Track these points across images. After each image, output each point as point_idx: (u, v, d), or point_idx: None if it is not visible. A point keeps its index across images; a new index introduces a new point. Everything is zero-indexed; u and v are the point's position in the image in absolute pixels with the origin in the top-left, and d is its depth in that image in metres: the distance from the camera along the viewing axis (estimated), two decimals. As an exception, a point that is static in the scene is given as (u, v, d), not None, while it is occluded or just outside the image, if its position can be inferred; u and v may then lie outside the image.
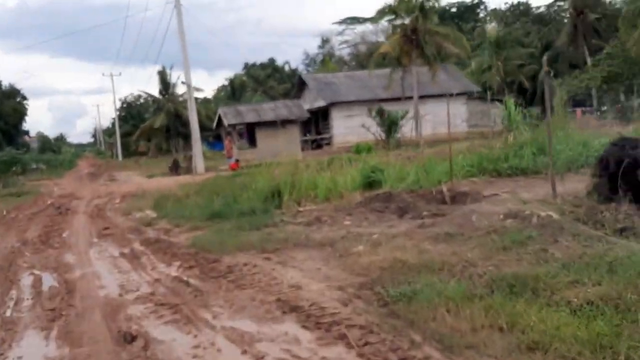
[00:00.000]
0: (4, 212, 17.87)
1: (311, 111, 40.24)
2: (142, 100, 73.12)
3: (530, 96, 50.15)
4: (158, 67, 58.99)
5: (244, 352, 4.97)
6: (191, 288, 7.19)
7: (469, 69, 53.75)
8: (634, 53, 34.36)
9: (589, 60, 46.38)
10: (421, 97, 36.42)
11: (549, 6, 65.17)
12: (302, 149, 35.32)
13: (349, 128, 39.50)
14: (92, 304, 6.87)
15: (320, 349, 4.91)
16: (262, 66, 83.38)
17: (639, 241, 6.69)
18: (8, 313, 6.87)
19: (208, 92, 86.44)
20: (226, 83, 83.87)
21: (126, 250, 10.31)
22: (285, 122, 33.58)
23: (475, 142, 22.09)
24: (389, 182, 13.23)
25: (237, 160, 31.00)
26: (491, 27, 56.78)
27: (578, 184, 11.11)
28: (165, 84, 59.29)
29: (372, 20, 59.25)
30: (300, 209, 13.12)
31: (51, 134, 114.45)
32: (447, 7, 69.65)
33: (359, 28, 68.82)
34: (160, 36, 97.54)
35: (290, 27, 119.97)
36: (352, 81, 42.85)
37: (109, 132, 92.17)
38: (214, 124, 39.23)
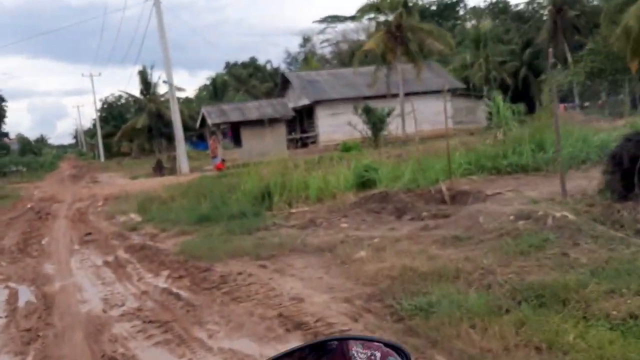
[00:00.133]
0: (-20, 218, 17.06)
1: (295, 110, 39.59)
2: (123, 101, 71.88)
3: (512, 92, 50.04)
4: (138, 67, 57.97)
5: (247, 380, 4.40)
6: (182, 302, 6.58)
7: (450, 66, 53.55)
8: (617, 48, 34.25)
9: (569, 57, 46.43)
10: (406, 95, 35.98)
11: (528, 3, 65.21)
12: (288, 148, 34.69)
13: (334, 126, 38.91)
14: (73, 322, 6.24)
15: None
16: (244, 65, 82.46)
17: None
18: (-22, 334, 6.22)
19: (190, 91, 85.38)
20: (208, 82, 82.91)
21: (110, 259, 9.66)
22: (270, 121, 32.95)
23: (463, 139, 21.60)
24: (384, 181, 12.70)
25: (222, 160, 30.29)
26: (486, 22, 56.58)
27: (582, 180, 10.67)
28: (146, 84, 58.25)
29: (354, 18, 58.88)
30: (293, 210, 12.54)
31: (31, 135, 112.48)
32: (427, 5, 69.47)
33: (340, 26, 68.43)
34: (139, 36, 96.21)
35: (271, 26, 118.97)
36: (336, 79, 42.26)
37: (90, 133, 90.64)
38: (198, 124, 38.47)
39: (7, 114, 73.87)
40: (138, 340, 5.50)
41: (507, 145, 13.12)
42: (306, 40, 78.32)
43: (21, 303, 7.24)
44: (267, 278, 7.18)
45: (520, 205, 8.95)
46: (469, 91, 44.59)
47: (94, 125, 75.42)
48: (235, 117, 33.55)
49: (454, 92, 42.92)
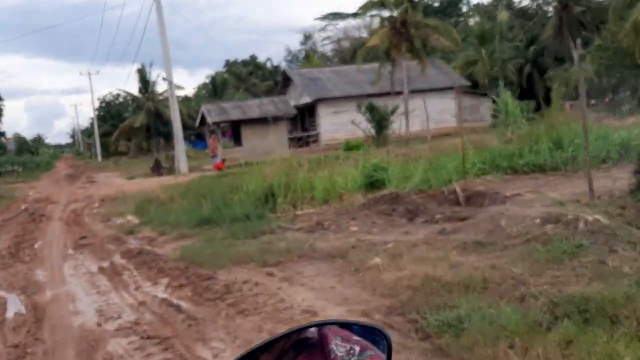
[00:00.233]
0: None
1: (297, 108, 38.97)
2: (121, 100, 71.26)
3: (516, 90, 49.50)
4: (137, 66, 57.42)
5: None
6: (183, 314, 6.02)
7: (453, 63, 53.04)
8: (626, 44, 33.72)
9: (574, 54, 45.90)
10: (410, 92, 35.42)
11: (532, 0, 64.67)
12: (289, 147, 34.10)
13: (336, 125, 38.34)
14: (64, 338, 5.68)
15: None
16: (244, 63, 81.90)
17: None
18: (-40, 352, 5.67)
19: (189, 90, 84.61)
20: (207, 81, 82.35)
21: (105, 264, 9.09)
22: (272, 119, 32.35)
23: (471, 137, 21.04)
24: (394, 181, 12.13)
25: (222, 160, 29.67)
26: (502, 13, 55.91)
27: (605, 180, 10.16)
28: (145, 83, 57.72)
29: (356, 15, 58.24)
30: (298, 212, 12.00)
31: (28, 135, 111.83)
32: (430, 2, 68.99)
33: (341, 24, 67.75)
34: (138, 34, 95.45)
35: (271, 24, 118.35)
36: (339, 77, 41.64)
37: (87, 133, 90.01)
38: (197, 122, 37.84)
39: (4, 112, 73.23)
40: (135, 360, 4.95)
41: (523, 143, 12.54)
42: (307, 37, 77.75)
43: (10, 314, 6.69)
44: (275, 288, 6.62)
45: (544, 207, 8.40)
46: (474, 88, 44.03)
47: (92, 124, 74.82)
48: (235, 115, 32.92)
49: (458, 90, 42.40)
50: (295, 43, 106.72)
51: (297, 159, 16.86)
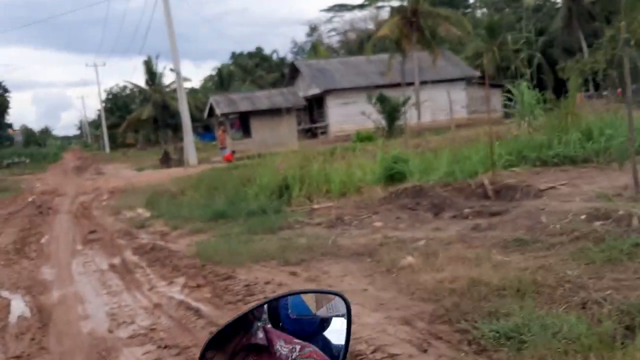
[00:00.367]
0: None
1: (305, 99, 38.40)
2: (128, 91, 70.89)
3: (528, 81, 48.79)
4: (143, 58, 56.97)
5: None
6: (203, 319, 5.48)
7: (461, 54, 52.39)
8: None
9: (584, 45, 45.26)
10: (420, 83, 34.79)
11: (541, -9, 63.76)
12: (297, 139, 33.54)
13: (345, 116, 37.73)
14: (72, 347, 5.17)
15: None
16: (250, 55, 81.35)
17: None
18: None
19: (195, 82, 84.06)
20: (213, 73, 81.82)
21: (116, 261, 8.58)
22: (281, 111, 31.78)
23: (484, 129, 20.39)
24: (416, 174, 11.56)
25: (232, 152, 29.13)
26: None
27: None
28: (152, 74, 57.30)
29: (363, 6, 57.52)
30: (315, 206, 11.45)
31: (36, 127, 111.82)
32: (437, -6, 68.23)
33: (348, 15, 67.14)
34: (144, 26, 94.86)
35: (277, 16, 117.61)
36: (347, 67, 40.98)
37: (95, 124, 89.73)
38: (205, 114, 37.33)
39: (11, 105, 73.01)
40: (152, 374, 4.43)
41: (551, 134, 11.93)
42: (313, 29, 77.15)
43: (12, 318, 6.17)
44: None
45: (586, 202, 7.85)
46: (484, 79, 43.31)
47: (99, 116, 74.54)
48: (244, 106, 32.36)
49: (468, 81, 41.71)
50: (301, 35, 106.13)
51: (309, 151, 16.30)
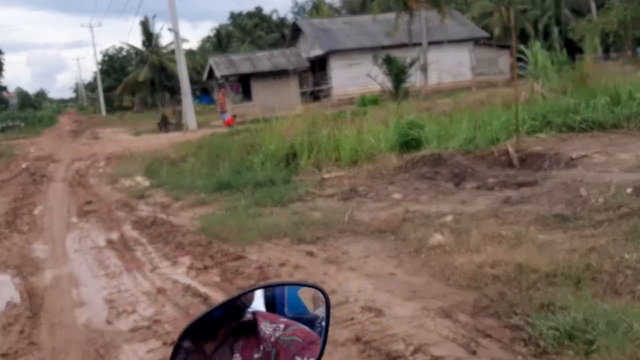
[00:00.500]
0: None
1: (307, 60, 37.33)
2: (124, 53, 69.59)
3: (535, 42, 47.68)
4: (140, 18, 55.55)
5: None
6: (213, 309, 4.86)
7: (467, 14, 51.04)
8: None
9: (593, 6, 44.08)
10: (428, 44, 33.73)
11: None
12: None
13: (349, 78, 36.76)
14: (66, 341, 4.56)
15: None
16: (249, 15, 79.60)
17: None
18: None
19: (193, 44, 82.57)
20: (211, 34, 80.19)
21: (115, 236, 7.95)
22: (283, 73, 30.80)
23: (495, 90, 19.60)
24: (433, 141, 10.86)
25: (233, 116, 28.30)
26: None
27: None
28: (149, 35, 55.97)
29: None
30: (325, 175, 10.78)
31: (31, 89, 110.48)
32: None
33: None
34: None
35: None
36: (352, 27, 39.75)
37: (91, 87, 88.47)
38: (205, 76, 36.33)
39: (5, 67, 71.77)
40: (158, 378, 3.83)
41: (579, 97, 11.19)
42: (314, -12, 75.31)
43: (1, 305, 5.55)
44: (320, 273, 5.46)
45: (627, 172, 7.19)
46: (491, 40, 42.20)
47: (95, 78, 73.31)
48: (245, 68, 31.37)
49: (476, 42, 40.60)
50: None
51: (314, 115, 15.51)
